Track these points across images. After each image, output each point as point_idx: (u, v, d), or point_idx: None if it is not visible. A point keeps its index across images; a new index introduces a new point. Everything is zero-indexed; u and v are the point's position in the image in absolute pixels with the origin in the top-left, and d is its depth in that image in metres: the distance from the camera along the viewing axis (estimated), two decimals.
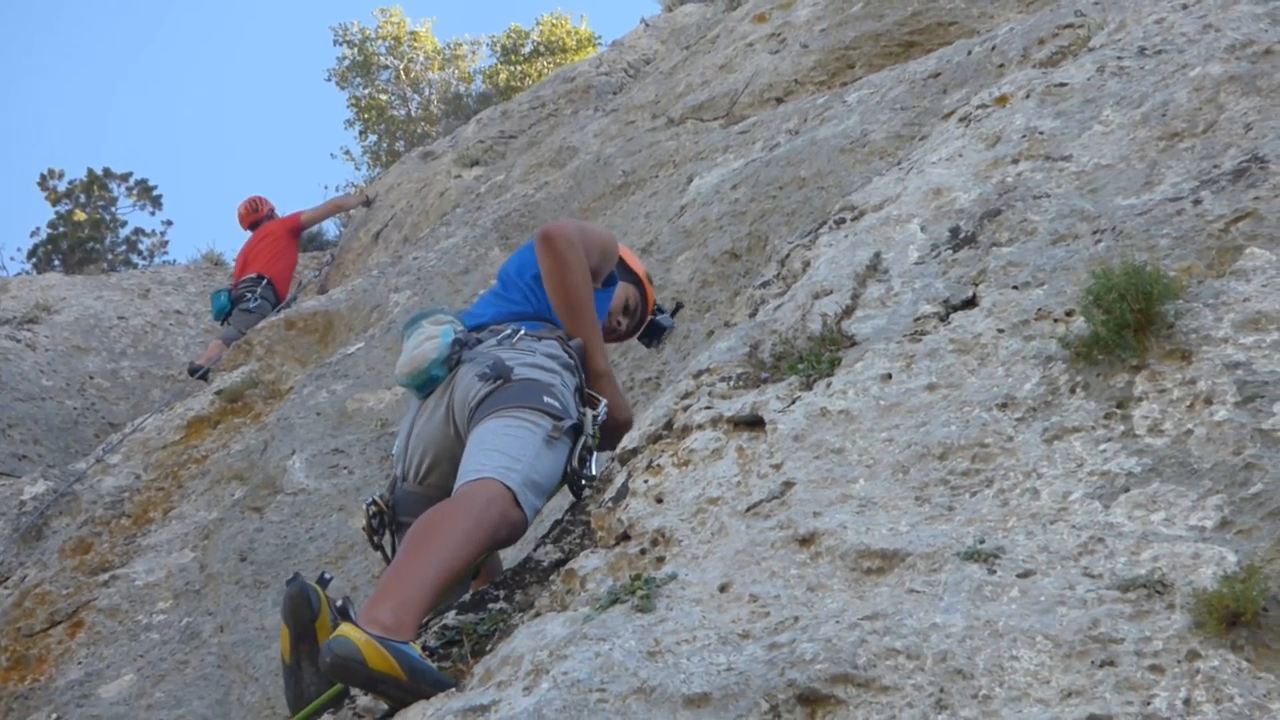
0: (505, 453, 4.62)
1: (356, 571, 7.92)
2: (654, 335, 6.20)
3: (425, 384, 5.20)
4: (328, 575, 4.49)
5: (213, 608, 8.60)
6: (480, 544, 4.38)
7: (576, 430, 4.95)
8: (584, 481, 4.92)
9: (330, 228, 22.97)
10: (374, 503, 5.21)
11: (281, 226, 17.39)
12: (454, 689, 3.75)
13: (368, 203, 19.46)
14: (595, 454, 5.04)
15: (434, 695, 3.76)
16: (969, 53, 9.03)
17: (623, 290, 5.98)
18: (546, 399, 4.90)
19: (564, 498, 5.30)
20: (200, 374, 14.02)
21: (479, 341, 5.27)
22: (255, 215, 17.73)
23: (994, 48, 8.68)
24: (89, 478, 11.29)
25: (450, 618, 4.40)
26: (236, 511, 9.51)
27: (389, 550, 5.21)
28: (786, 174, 8.89)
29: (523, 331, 5.26)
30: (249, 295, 15.89)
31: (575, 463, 4.92)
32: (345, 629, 3.83)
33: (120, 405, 15.64)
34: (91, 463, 11.74)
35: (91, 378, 15.98)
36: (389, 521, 5.21)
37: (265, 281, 16.17)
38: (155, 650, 8.43)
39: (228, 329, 15.45)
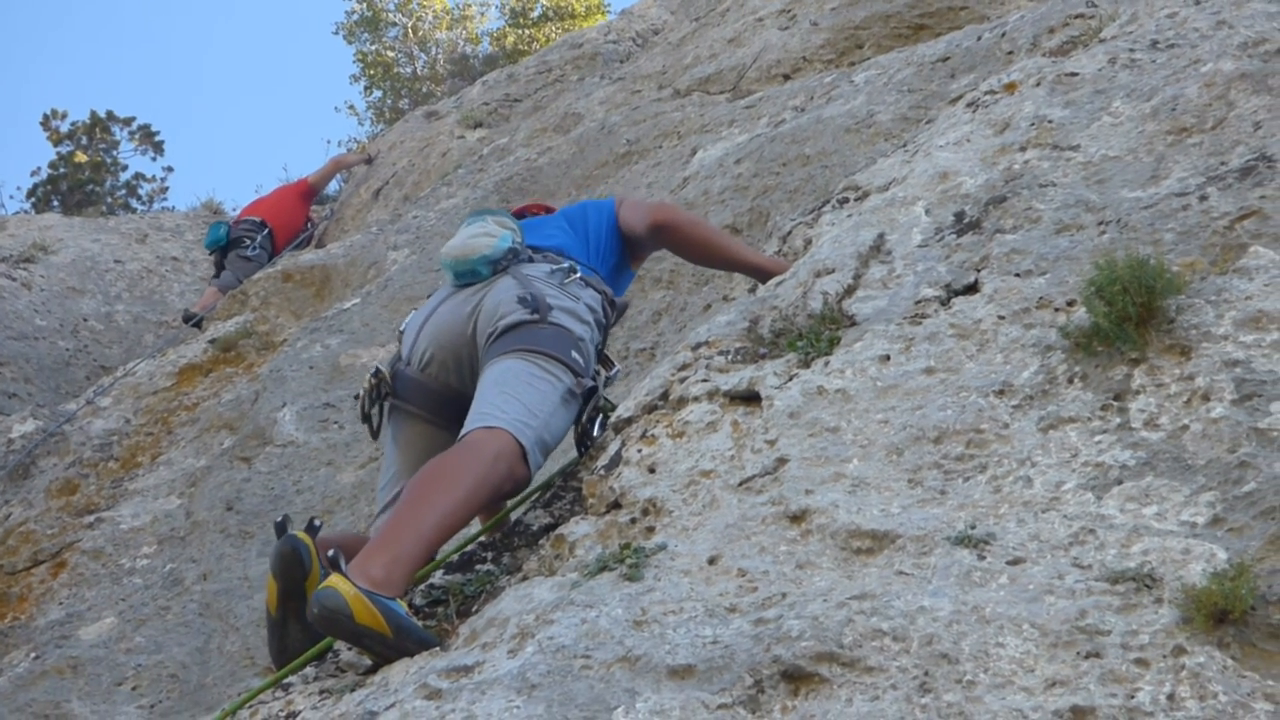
0: (526, 405, 4.60)
1: (343, 527, 7.93)
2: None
3: (465, 274, 5.16)
4: (317, 522, 4.48)
5: (197, 555, 8.61)
6: (483, 501, 4.37)
7: (589, 393, 4.93)
8: (590, 442, 4.92)
9: (331, 183, 22.92)
10: (377, 373, 5.18)
11: (291, 190, 17.39)
12: (438, 648, 3.75)
13: (369, 160, 19.41)
14: (602, 415, 5.01)
15: (418, 653, 3.76)
16: (979, 38, 9.01)
17: None
18: (574, 354, 4.88)
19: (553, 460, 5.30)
20: (194, 321, 14.02)
21: (532, 261, 5.26)
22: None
23: (1004, 34, 8.67)
24: (78, 419, 11.28)
25: (437, 577, 4.41)
26: (225, 460, 9.52)
27: (375, 424, 5.21)
28: (791, 151, 8.87)
29: (579, 275, 5.25)
30: (248, 240, 15.82)
31: (585, 421, 4.90)
32: (334, 581, 3.83)
33: (113, 349, 15.62)
34: (82, 404, 11.73)
35: (85, 320, 15.96)
36: (384, 395, 5.18)
37: (267, 231, 16.12)
38: (137, 595, 8.45)
39: (224, 276, 15.41)
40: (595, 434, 4.92)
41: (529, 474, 4.54)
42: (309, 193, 17.74)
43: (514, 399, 4.60)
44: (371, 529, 5.13)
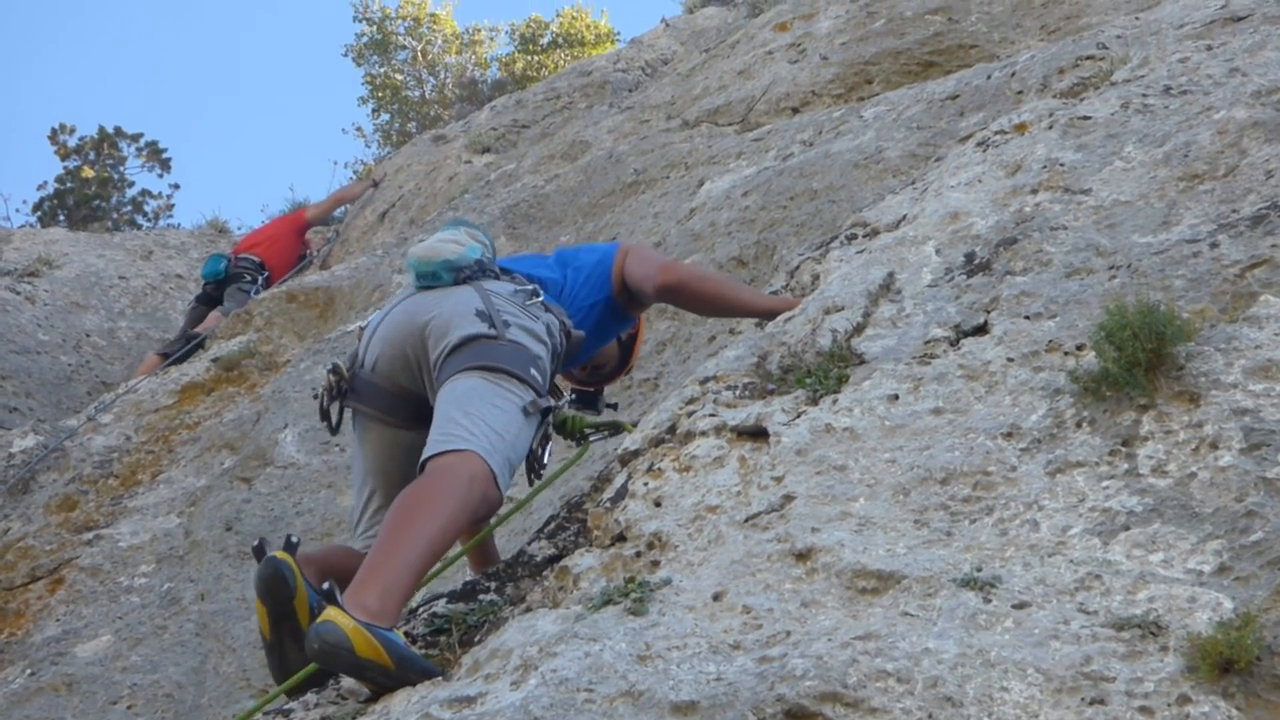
0: (491, 426, 4.58)
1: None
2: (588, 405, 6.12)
3: (427, 275, 5.15)
4: (294, 539, 4.46)
5: (195, 575, 8.61)
6: (462, 525, 4.37)
7: (544, 412, 4.92)
8: (539, 467, 4.91)
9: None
10: (334, 370, 5.16)
11: (289, 225, 17.37)
12: (440, 678, 3.74)
13: (375, 184, 19.41)
14: (552, 442, 5.02)
15: (420, 683, 3.75)
16: (988, 77, 9.04)
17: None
18: (533, 370, 4.86)
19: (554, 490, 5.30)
20: (197, 341, 14.01)
21: (497, 279, 5.26)
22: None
23: (1014, 74, 8.69)
24: (79, 435, 11.27)
25: (440, 606, 4.40)
26: (225, 480, 9.51)
27: (334, 422, 5.18)
28: (798, 185, 8.89)
29: (541, 298, 5.24)
30: (248, 277, 15.78)
31: (535, 445, 4.90)
32: (333, 614, 3.81)
33: (115, 365, 15.62)
34: (83, 420, 11.73)
35: (88, 335, 15.96)
36: (342, 393, 5.16)
37: (267, 273, 16.08)
38: (134, 613, 8.44)
39: (225, 306, 15.37)
40: (545, 459, 4.94)
41: (500, 496, 4.55)
42: (306, 227, 17.74)
43: (479, 419, 4.58)
44: (353, 536, 5.12)
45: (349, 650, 3.75)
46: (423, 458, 4.51)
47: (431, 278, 5.14)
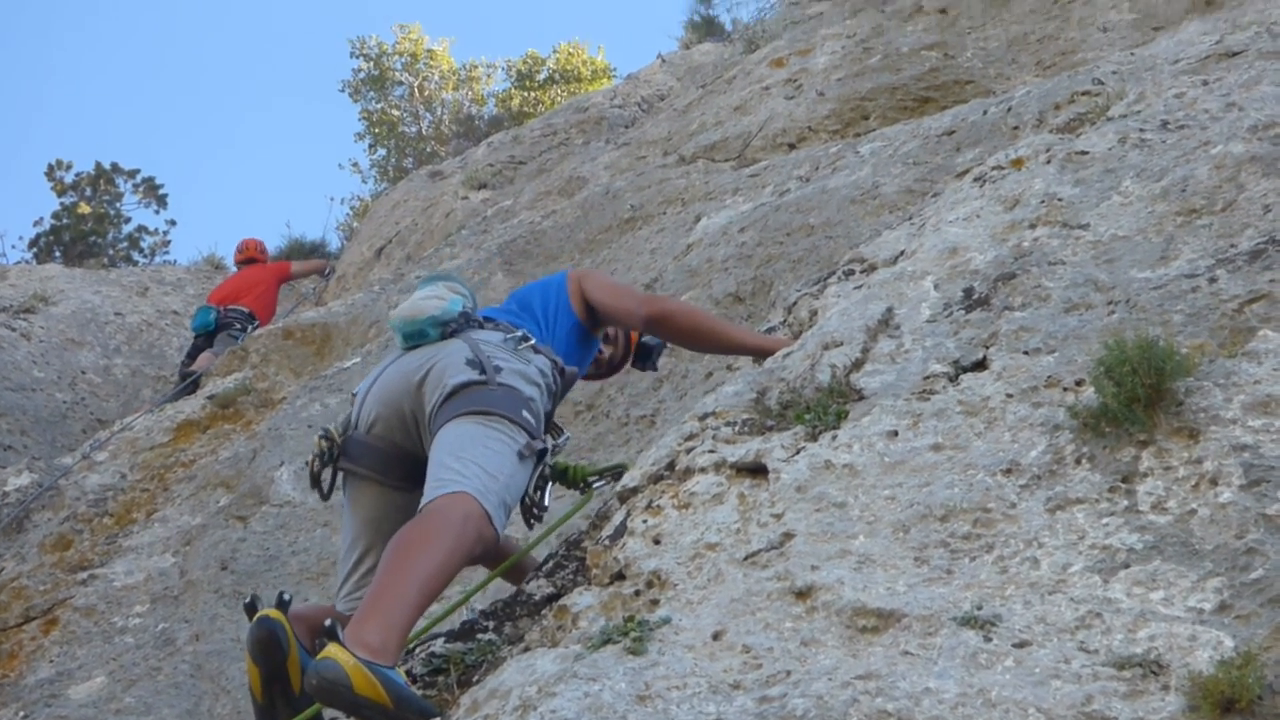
0: (484, 468, 4.57)
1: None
2: (646, 357, 6.13)
3: (413, 335, 5.15)
4: (286, 596, 4.45)
5: (190, 615, 8.57)
6: (459, 564, 4.35)
7: (540, 454, 4.91)
8: (536, 511, 4.90)
9: (333, 239, 23.01)
10: (326, 435, 5.15)
11: (272, 274, 17.29)
12: (439, 718, 3.72)
13: (326, 274, 19.27)
14: (550, 484, 5.02)
15: None
16: (984, 112, 9.05)
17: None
18: (525, 413, 4.86)
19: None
20: (192, 378, 13.99)
21: (483, 328, 5.26)
22: (245, 255, 17.61)
23: (1010, 109, 8.71)
24: (74, 473, 11.25)
25: (438, 645, 4.38)
26: (220, 519, 9.49)
27: (326, 488, 5.17)
28: (795, 220, 8.90)
29: (532, 341, 5.24)
30: (238, 326, 15.73)
31: (532, 489, 4.89)
32: (333, 651, 3.80)
33: (110, 402, 15.63)
34: (78, 458, 11.71)
35: (84, 372, 15.97)
36: (334, 458, 5.14)
37: (255, 323, 16.01)
38: (129, 654, 8.40)
39: (215, 347, 15.33)
40: (545, 503, 4.93)
41: (496, 535, 4.53)
42: (286, 279, 17.68)
43: (472, 462, 4.57)
44: (337, 597, 5.09)
45: (347, 688, 3.74)
46: (421, 505, 4.49)
47: (418, 335, 5.14)
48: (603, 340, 5.95)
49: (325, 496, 5.19)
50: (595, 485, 5.51)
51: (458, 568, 4.36)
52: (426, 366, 4.97)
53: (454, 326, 5.14)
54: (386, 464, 5.03)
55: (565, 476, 5.47)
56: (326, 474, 5.15)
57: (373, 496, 5.07)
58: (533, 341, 5.23)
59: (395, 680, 3.80)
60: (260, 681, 4.34)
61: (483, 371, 4.88)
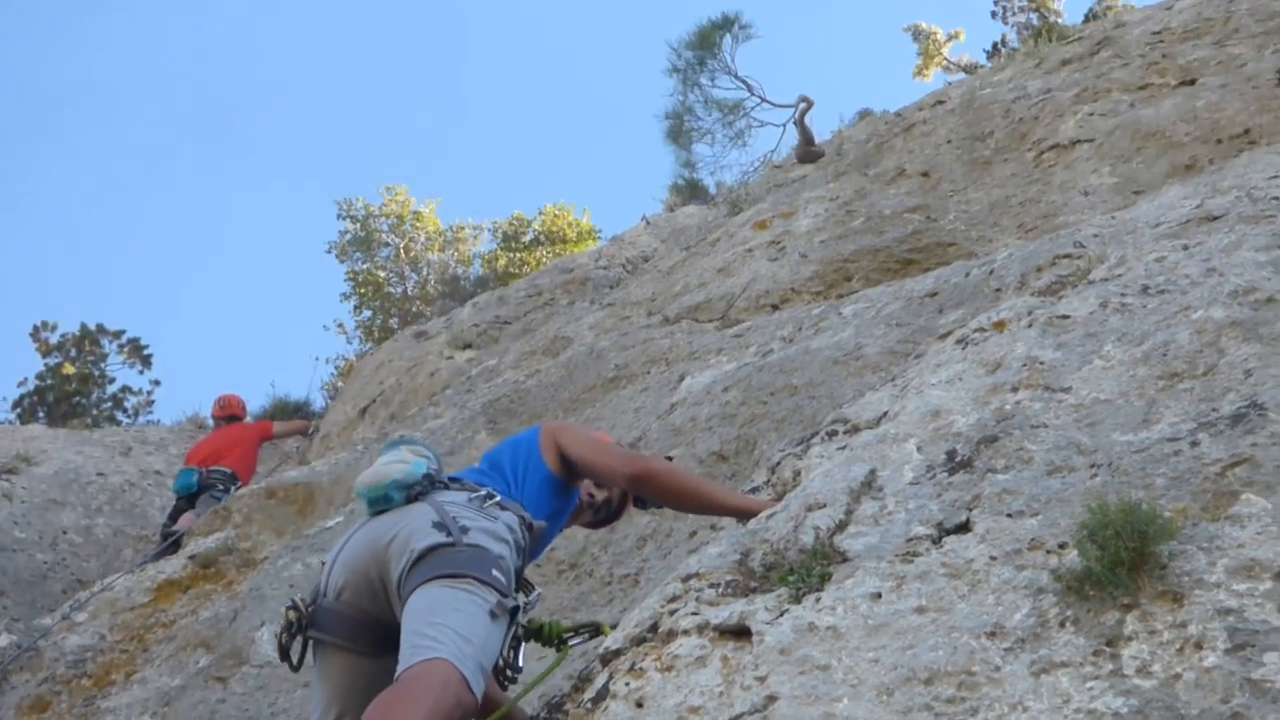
0: (458, 632, 4.52)
1: None
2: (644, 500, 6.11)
3: (378, 500, 5.14)
4: None
5: None
6: None
7: (513, 612, 4.88)
8: (510, 673, 4.86)
9: (317, 399, 23.03)
10: (294, 606, 5.11)
11: (254, 434, 17.27)
12: None
13: (313, 431, 19.32)
14: (524, 644, 4.98)
15: None
16: (967, 274, 9.12)
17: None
18: (495, 572, 4.82)
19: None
20: (173, 538, 13.92)
21: (448, 489, 5.25)
22: (227, 411, 17.62)
23: (991, 271, 8.78)
24: (53, 634, 11.16)
25: None
26: (200, 680, 9.40)
27: (296, 660, 5.11)
28: (778, 380, 8.93)
29: (498, 498, 5.24)
30: (220, 487, 15.69)
31: (505, 650, 4.85)
32: None
33: (91, 562, 15.53)
34: (57, 619, 11.62)
35: (65, 532, 15.88)
36: (303, 628, 5.10)
37: (238, 483, 15.96)
38: None
39: (198, 509, 15.28)
40: (519, 664, 4.88)
41: (475, 700, 4.49)
42: (268, 438, 17.68)
43: (445, 627, 4.53)
44: None
45: None
46: (397, 674, 4.46)
47: (384, 500, 5.15)
48: (596, 485, 5.95)
49: (295, 669, 5.15)
50: (572, 643, 5.48)
51: None
52: (392, 532, 4.96)
53: (418, 489, 5.15)
54: (355, 631, 5.00)
55: (540, 634, 5.45)
56: (296, 645, 5.11)
57: (343, 664, 5.03)
58: (498, 498, 5.24)
59: None
60: None
61: (449, 533, 4.86)
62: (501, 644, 4.77)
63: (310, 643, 5.10)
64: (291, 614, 5.07)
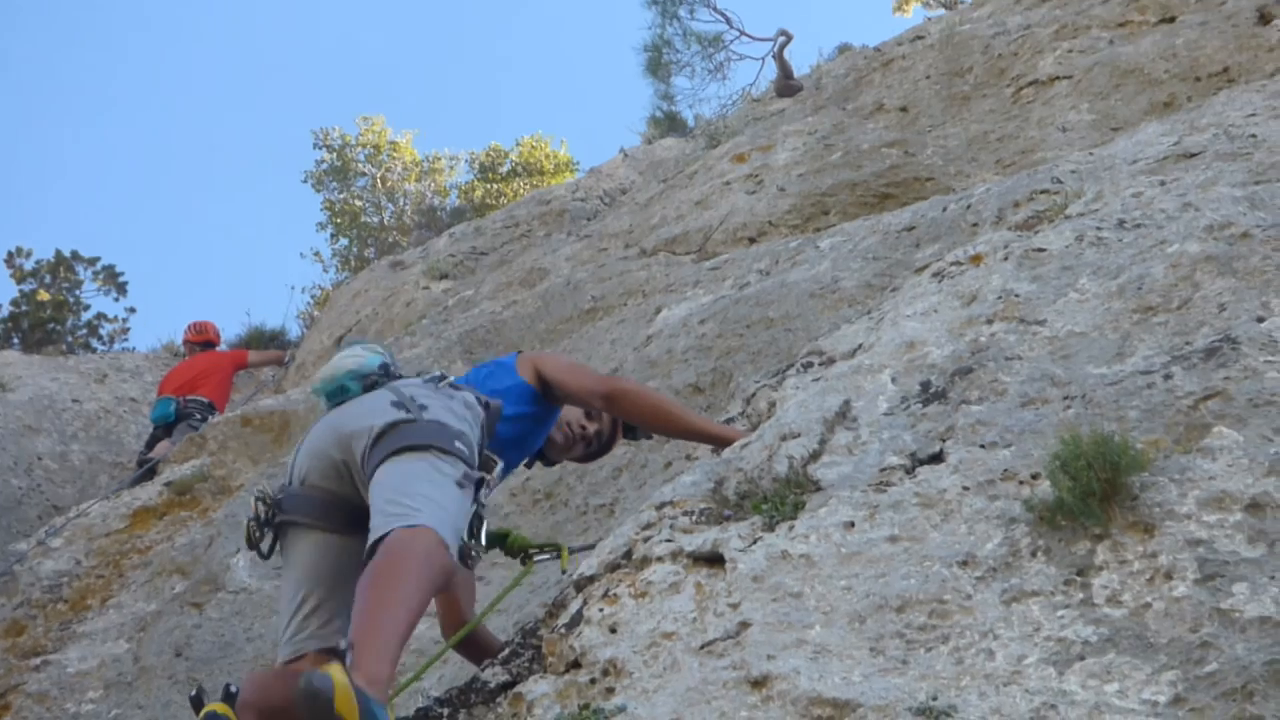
0: (433, 499, 4.55)
1: None
2: (634, 427, 6.10)
3: (335, 392, 5.17)
4: (233, 688, 4.38)
5: (143, 701, 8.49)
6: (430, 595, 4.33)
7: (477, 484, 4.90)
8: (474, 553, 4.88)
9: (293, 328, 22.96)
10: (261, 498, 5.13)
11: (229, 362, 17.17)
12: None
13: (285, 362, 19.24)
14: (485, 524, 4.98)
15: None
16: (944, 209, 9.12)
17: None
18: (458, 443, 4.84)
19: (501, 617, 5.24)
20: (149, 465, 13.91)
21: (402, 378, 5.28)
22: (202, 337, 17.54)
23: (969, 206, 8.77)
24: (29, 559, 11.16)
25: None
26: (175, 605, 9.41)
27: (265, 549, 5.11)
28: (755, 313, 8.93)
29: (450, 379, 5.28)
30: (198, 416, 15.62)
31: (466, 532, 4.87)
32: (333, 668, 3.78)
33: (66, 488, 15.50)
34: (33, 544, 11.61)
35: (40, 458, 15.85)
36: (272, 519, 5.12)
37: (215, 412, 15.90)
38: None
39: (174, 437, 15.23)
40: (481, 543, 4.89)
41: (454, 564, 4.52)
42: (243, 367, 17.59)
43: (419, 495, 4.55)
44: (279, 646, 5.04)
45: (328, 700, 3.71)
46: (370, 540, 4.45)
47: (340, 392, 5.17)
48: (587, 417, 5.96)
49: (265, 556, 5.15)
50: (536, 559, 5.51)
51: (428, 600, 4.34)
52: (352, 416, 4.98)
53: (374, 379, 5.17)
54: (324, 510, 4.99)
55: (504, 543, 5.48)
56: (267, 535, 5.13)
57: (313, 542, 5.01)
58: (450, 379, 5.27)
59: (379, 716, 3.79)
60: None
61: (408, 411, 4.89)
62: (468, 516, 4.79)
63: (278, 539, 5.11)
64: (260, 505, 5.08)
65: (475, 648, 5.42)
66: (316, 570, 4.96)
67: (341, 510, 4.95)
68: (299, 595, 4.96)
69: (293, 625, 4.94)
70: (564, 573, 5.74)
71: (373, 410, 4.94)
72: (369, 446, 4.81)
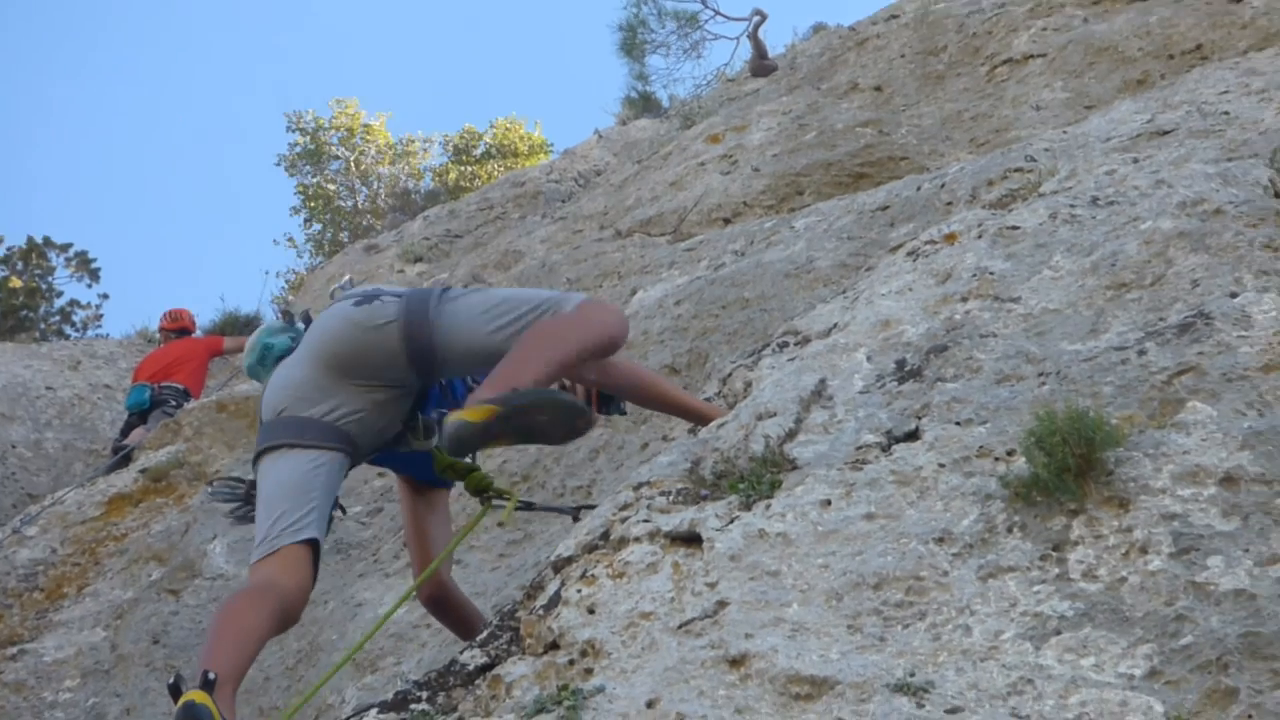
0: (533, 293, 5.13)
1: (271, 662, 7.83)
2: (610, 401, 6.09)
3: (261, 358, 5.25)
4: (211, 675, 4.34)
5: (121, 689, 8.48)
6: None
7: None
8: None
9: (267, 313, 22.91)
10: (242, 480, 5.19)
11: (204, 348, 17.13)
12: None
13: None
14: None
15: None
16: (918, 188, 9.13)
17: None
18: None
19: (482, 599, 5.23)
20: (124, 452, 13.87)
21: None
22: (177, 324, 17.48)
23: (943, 185, 8.79)
24: (4, 548, 11.14)
25: (371, 716, 4.34)
26: (152, 593, 9.41)
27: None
28: (730, 294, 8.94)
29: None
30: (173, 403, 15.56)
31: None
32: (451, 415, 4.45)
33: (41, 476, 15.47)
34: (8, 533, 11.59)
35: (14, 446, 15.81)
36: (249, 497, 5.19)
37: (190, 399, 15.83)
38: None
39: (148, 424, 15.18)
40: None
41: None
42: (218, 354, 17.52)
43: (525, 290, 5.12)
44: (250, 568, 5.05)
45: (467, 424, 4.36)
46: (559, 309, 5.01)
47: (265, 350, 5.33)
48: (562, 388, 5.98)
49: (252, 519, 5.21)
50: (494, 504, 5.53)
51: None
52: (332, 326, 5.12)
53: (293, 334, 5.30)
54: (301, 429, 5.03)
55: (466, 476, 5.48)
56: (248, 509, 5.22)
57: (291, 461, 5.02)
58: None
59: (499, 395, 4.38)
60: None
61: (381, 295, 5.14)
62: None
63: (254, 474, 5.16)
64: (246, 488, 5.14)
65: (451, 611, 5.49)
66: (290, 483, 4.96)
67: (316, 427, 5.03)
68: (277, 510, 4.97)
69: (264, 528, 4.95)
70: (501, 525, 5.94)
71: (335, 313, 5.16)
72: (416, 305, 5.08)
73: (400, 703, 4.43)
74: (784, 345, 5.73)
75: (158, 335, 17.98)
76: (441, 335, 4.98)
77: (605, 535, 4.50)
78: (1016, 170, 7.89)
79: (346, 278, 5.55)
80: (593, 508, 5.12)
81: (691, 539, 4.24)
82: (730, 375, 5.85)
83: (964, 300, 5.12)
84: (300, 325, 5.42)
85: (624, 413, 6.10)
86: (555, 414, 4.49)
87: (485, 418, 4.35)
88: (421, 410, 5.31)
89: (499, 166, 33.93)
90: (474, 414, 4.35)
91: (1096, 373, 4.24)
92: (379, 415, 5.15)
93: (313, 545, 4.89)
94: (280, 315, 5.53)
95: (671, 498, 4.55)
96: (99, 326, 31.33)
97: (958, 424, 4.31)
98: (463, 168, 35.01)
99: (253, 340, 5.40)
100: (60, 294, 31.89)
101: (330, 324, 5.10)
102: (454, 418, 4.39)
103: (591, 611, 4.09)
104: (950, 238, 5.87)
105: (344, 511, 5.45)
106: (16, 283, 30.83)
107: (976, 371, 4.56)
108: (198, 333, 17.88)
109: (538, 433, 4.55)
